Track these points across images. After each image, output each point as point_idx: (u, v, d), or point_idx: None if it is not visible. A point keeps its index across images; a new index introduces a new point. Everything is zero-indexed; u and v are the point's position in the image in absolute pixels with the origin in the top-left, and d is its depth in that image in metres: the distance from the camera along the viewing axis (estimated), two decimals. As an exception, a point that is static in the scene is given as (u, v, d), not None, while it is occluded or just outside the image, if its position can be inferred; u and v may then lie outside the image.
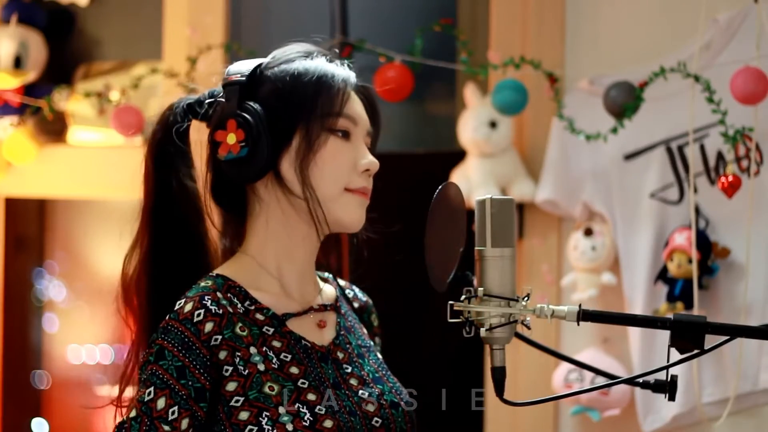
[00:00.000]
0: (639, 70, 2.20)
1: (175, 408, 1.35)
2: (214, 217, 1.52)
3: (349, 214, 1.46)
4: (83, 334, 3.01)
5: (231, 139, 1.42)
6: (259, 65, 1.47)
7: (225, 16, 2.69)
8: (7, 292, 2.96)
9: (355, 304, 1.65)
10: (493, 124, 2.37)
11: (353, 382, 1.48)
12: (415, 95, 2.32)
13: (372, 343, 1.62)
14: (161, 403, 1.34)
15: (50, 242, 3.09)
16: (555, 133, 2.36)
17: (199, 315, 1.38)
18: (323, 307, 1.53)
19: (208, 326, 1.38)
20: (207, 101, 1.50)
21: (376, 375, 1.53)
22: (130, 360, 1.50)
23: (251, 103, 1.43)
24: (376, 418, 1.46)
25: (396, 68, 2.25)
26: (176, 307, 1.39)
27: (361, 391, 1.48)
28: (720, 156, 2.21)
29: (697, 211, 2.21)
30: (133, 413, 1.35)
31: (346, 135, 1.46)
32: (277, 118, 1.43)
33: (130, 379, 1.50)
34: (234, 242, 1.54)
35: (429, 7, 2.86)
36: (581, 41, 2.42)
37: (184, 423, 1.35)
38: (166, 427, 1.34)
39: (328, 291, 1.58)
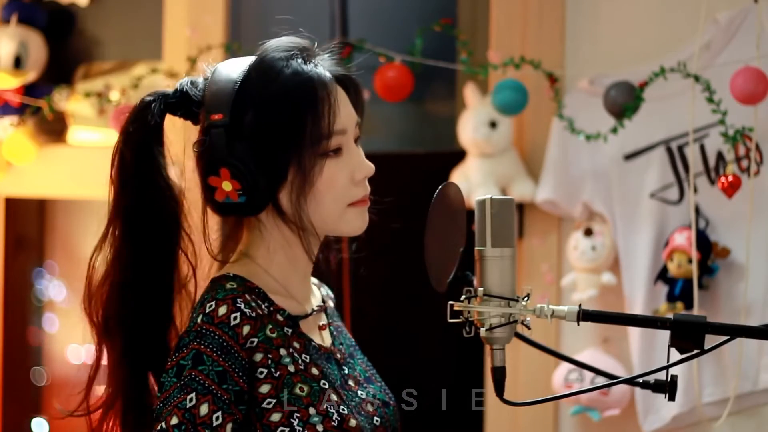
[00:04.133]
0: (639, 70, 2.20)
1: (219, 413, 1.33)
2: (210, 237, 1.49)
3: (353, 226, 1.46)
4: (83, 334, 3.00)
5: (227, 186, 1.39)
6: (238, 92, 1.40)
7: (225, 16, 2.69)
8: (7, 292, 2.96)
9: (331, 303, 1.65)
10: (493, 124, 2.37)
11: (351, 383, 1.49)
12: (415, 95, 2.32)
13: (354, 341, 1.62)
14: (204, 409, 1.32)
15: (50, 242, 3.09)
16: (555, 133, 2.36)
17: (235, 318, 1.36)
18: (320, 309, 1.53)
19: (246, 329, 1.36)
20: (183, 98, 1.45)
21: (366, 375, 1.54)
22: (93, 368, 1.49)
23: (240, 144, 1.38)
24: (375, 418, 1.47)
25: (396, 68, 2.25)
26: (207, 309, 1.37)
27: (359, 392, 1.48)
28: (720, 156, 2.21)
29: (697, 211, 2.21)
30: (174, 420, 1.32)
31: (338, 150, 1.43)
32: (268, 154, 1.39)
33: (94, 381, 1.49)
34: (231, 242, 1.52)
35: (429, 7, 2.86)
36: (581, 41, 2.42)
37: (228, 428, 1.33)
38: None
39: (316, 292, 1.58)
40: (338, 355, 1.51)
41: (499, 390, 1.35)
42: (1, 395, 2.95)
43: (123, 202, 1.46)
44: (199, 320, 1.37)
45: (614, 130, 2.12)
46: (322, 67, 1.45)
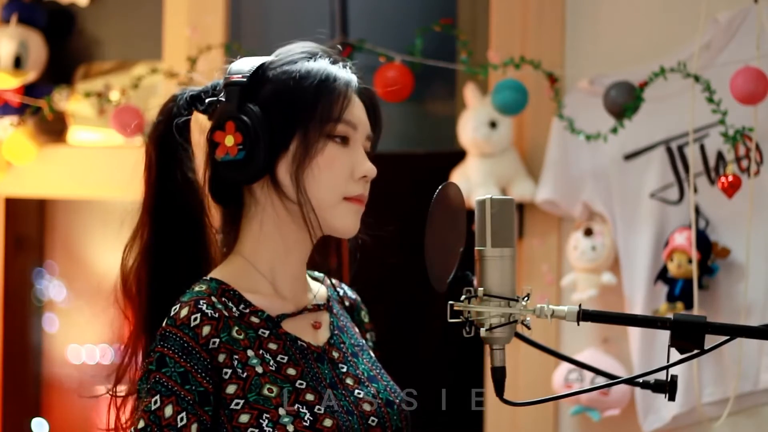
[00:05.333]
0: (639, 70, 2.20)
1: (183, 414, 1.34)
2: (213, 214, 1.52)
3: (344, 222, 1.46)
4: (83, 334, 3.01)
5: (229, 141, 1.41)
6: (261, 65, 1.46)
7: (225, 16, 2.69)
8: (7, 292, 2.97)
9: (346, 303, 1.65)
10: (493, 124, 2.37)
11: (349, 381, 1.48)
12: (415, 95, 2.32)
13: (364, 341, 1.62)
14: (169, 410, 1.34)
15: (50, 242, 3.09)
16: (555, 133, 2.36)
17: (195, 319, 1.38)
18: (317, 307, 1.53)
19: (206, 330, 1.38)
20: (209, 96, 1.49)
21: (371, 374, 1.53)
22: (127, 351, 1.50)
23: (251, 105, 1.42)
24: (372, 418, 1.46)
25: (396, 68, 2.25)
26: (172, 313, 1.39)
27: (357, 391, 1.48)
28: (720, 156, 2.21)
29: (697, 211, 2.21)
30: (141, 424, 1.34)
31: (344, 141, 1.45)
32: (276, 121, 1.42)
33: (127, 370, 1.50)
34: (230, 239, 1.53)
35: (429, 7, 2.86)
36: (581, 41, 2.42)
37: (193, 429, 1.35)
38: None
39: (320, 291, 1.58)
40: (334, 354, 1.50)
41: (499, 390, 1.34)
42: (1, 395, 2.95)
43: (148, 194, 1.49)
44: (164, 324, 1.39)
45: (614, 130, 2.12)
46: (349, 71, 1.49)
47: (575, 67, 2.41)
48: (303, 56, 1.47)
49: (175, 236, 1.49)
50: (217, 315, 1.39)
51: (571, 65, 2.41)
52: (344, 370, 1.50)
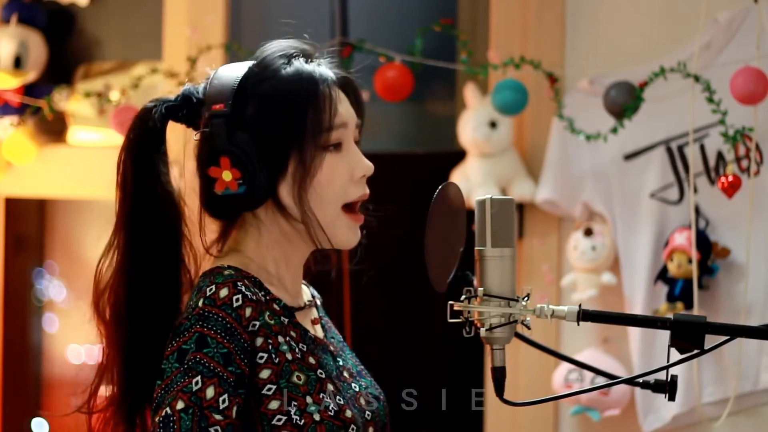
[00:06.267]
0: (639, 70, 2.20)
1: (225, 396, 1.31)
2: (206, 236, 1.48)
3: (345, 236, 1.45)
4: (83, 334, 3.00)
5: (227, 176, 1.39)
6: (240, 84, 1.41)
7: (225, 16, 2.69)
8: (7, 292, 2.96)
9: (318, 302, 1.65)
10: (493, 124, 2.37)
11: (346, 374, 1.50)
12: (415, 95, 2.32)
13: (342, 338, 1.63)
14: (210, 391, 1.30)
15: (50, 242, 3.09)
16: (555, 133, 2.36)
17: (237, 300, 1.35)
18: (312, 303, 1.54)
19: (248, 311, 1.36)
20: (185, 107, 1.45)
21: (357, 369, 1.55)
22: (102, 370, 1.48)
23: (241, 134, 1.39)
24: (367, 412, 1.47)
25: (396, 68, 2.25)
26: (208, 293, 1.36)
27: (353, 384, 1.49)
28: (720, 156, 2.21)
29: (697, 211, 2.21)
30: (180, 404, 1.29)
31: (338, 146, 1.43)
32: (268, 144, 1.40)
33: (98, 389, 1.48)
34: (223, 242, 1.51)
35: (429, 7, 2.86)
36: (581, 41, 2.42)
37: (234, 411, 1.32)
38: (218, 417, 1.30)
39: (304, 288, 1.59)
40: (332, 348, 1.52)
41: (499, 390, 1.35)
42: (1, 395, 2.95)
43: (124, 209, 1.46)
44: (200, 304, 1.35)
45: (614, 130, 2.12)
46: (324, 67, 1.46)
47: (575, 67, 2.41)
48: (281, 62, 1.43)
49: (154, 250, 1.45)
50: (255, 298, 1.38)
51: (571, 65, 2.42)
52: (340, 363, 1.51)
